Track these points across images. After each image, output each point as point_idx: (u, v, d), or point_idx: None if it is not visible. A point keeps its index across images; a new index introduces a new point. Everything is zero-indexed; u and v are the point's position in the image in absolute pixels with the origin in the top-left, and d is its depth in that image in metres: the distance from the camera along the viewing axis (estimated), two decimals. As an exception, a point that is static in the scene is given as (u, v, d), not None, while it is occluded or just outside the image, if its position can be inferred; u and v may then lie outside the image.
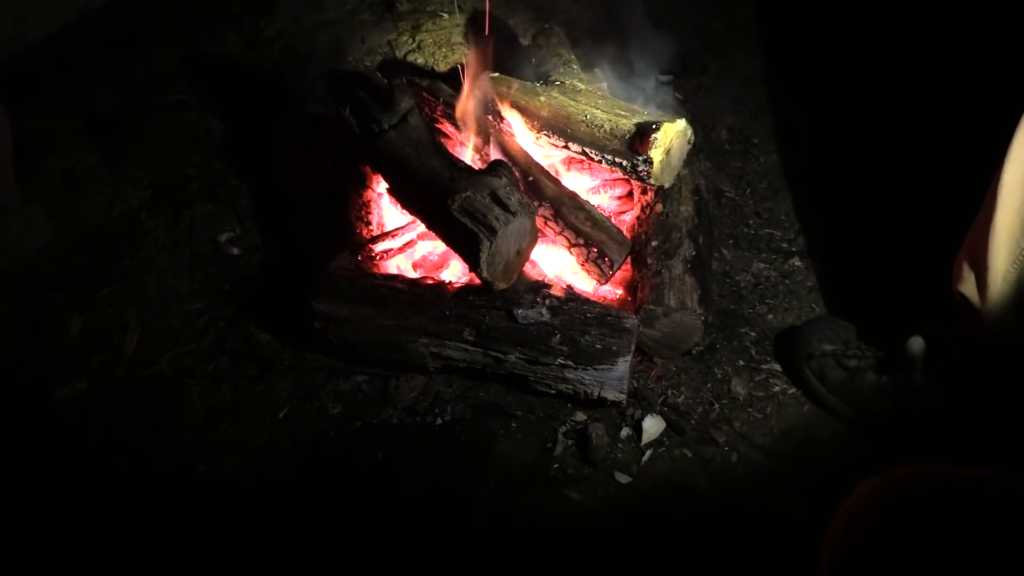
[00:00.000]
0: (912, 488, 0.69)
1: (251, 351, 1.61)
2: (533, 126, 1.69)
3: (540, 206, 1.55)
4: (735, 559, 1.30)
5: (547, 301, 1.41)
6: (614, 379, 1.39)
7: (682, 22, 2.27)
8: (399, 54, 2.22)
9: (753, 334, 1.62)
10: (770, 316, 1.65)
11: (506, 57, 1.87)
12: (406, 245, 1.60)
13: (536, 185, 1.59)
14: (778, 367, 1.56)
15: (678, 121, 1.52)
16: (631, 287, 1.57)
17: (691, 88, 2.17)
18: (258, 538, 1.33)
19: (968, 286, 1.18)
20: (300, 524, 1.34)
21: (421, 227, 1.53)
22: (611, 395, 1.42)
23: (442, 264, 1.63)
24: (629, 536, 1.34)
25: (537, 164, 1.65)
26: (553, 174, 1.67)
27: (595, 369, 1.37)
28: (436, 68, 2.17)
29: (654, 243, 1.56)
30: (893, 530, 0.66)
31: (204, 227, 1.83)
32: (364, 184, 1.68)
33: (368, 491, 1.38)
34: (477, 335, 1.40)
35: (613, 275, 1.55)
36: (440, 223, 1.40)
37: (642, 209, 1.66)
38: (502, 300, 1.41)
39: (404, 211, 1.54)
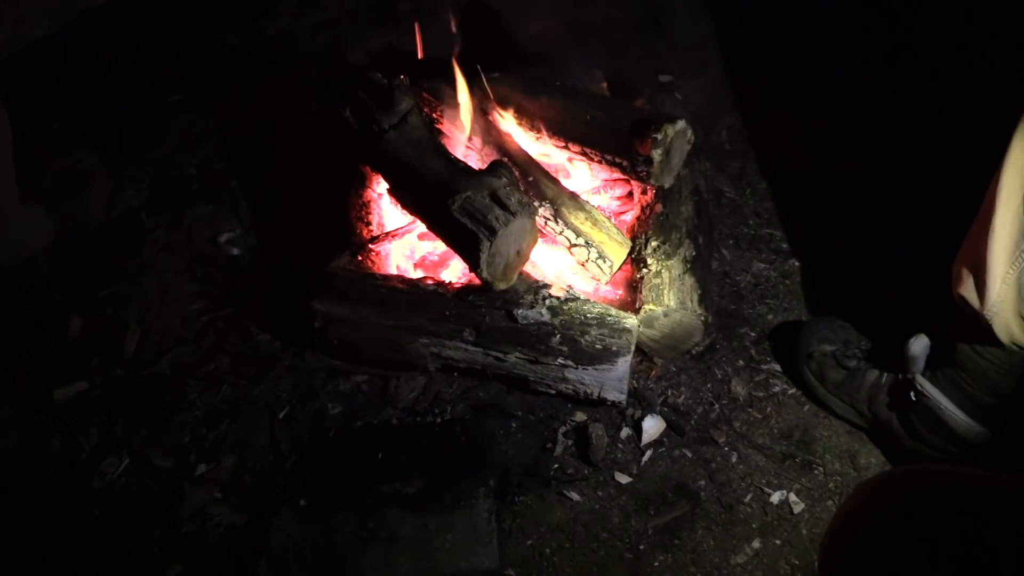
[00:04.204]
0: (911, 489, 0.69)
1: (251, 351, 1.61)
2: (533, 126, 1.70)
3: (540, 206, 1.55)
4: (735, 559, 1.30)
5: (547, 301, 1.41)
6: (614, 379, 1.39)
7: (682, 22, 2.27)
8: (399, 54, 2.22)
9: (753, 334, 1.62)
10: (770, 316, 1.65)
11: (506, 56, 1.87)
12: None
13: (536, 185, 1.59)
14: (778, 367, 1.56)
15: (678, 121, 1.52)
16: (631, 287, 1.57)
17: (691, 88, 2.17)
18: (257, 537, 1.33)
19: (967, 288, 1.18)
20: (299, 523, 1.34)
21: (421, 227, 1.53)
22: (611, 395, 1.42)
23: (442, 264, 1.63)
24: (628, 536, 1.34)
25: (537, 164, 1.65)
26: (553, 174, 1.67)
27: (595, 369, 1.37)
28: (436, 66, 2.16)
29: (654, 243, 1.56)
30: (892, 531, 0.66)
31: (204, 227, 1.83)
32: (364, 184, 1.68)
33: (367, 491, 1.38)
34: (477, 335, 1.40)
35: (613, 275, 1.55)
36: (440, 223, 1.40)
37: (642, 209, 1.66)
38: (502, 300, 1.41)
39: (404, 211, 1.54)
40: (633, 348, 1.38)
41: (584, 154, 1.64)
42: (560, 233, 1.55)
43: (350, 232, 1.61)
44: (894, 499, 0.69)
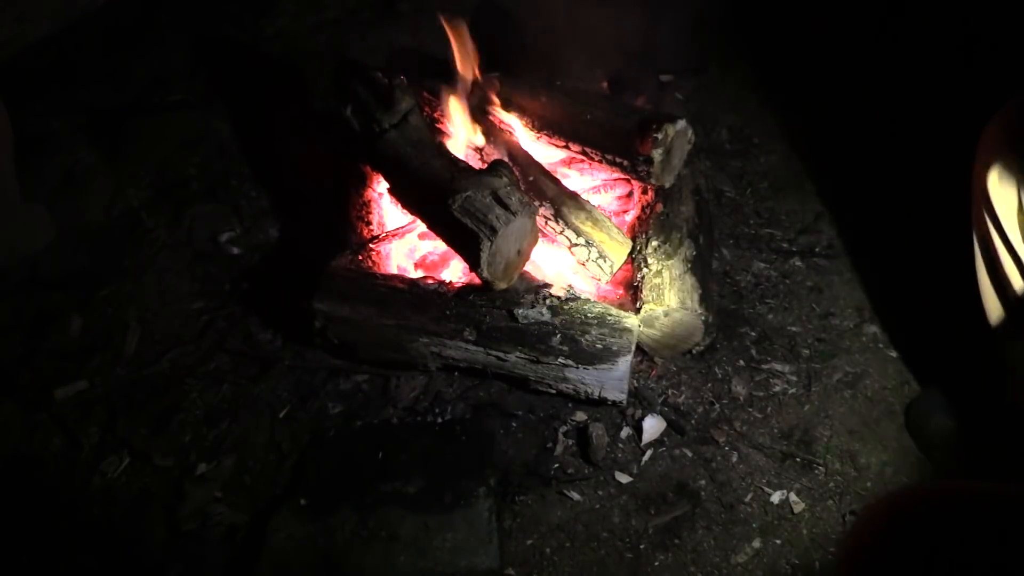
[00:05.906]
0: (926, 506, 0.68)
1: (251, 350, 1.61)
2: (533, 126, 1.70)
3: (541, 206, 1.55)
4: (735, 559, 1.30)
5: (547, 301, 1.41)
6: (615, 379, 1.39)
7: (682, 22, 2.27)
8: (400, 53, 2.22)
9: (753, 334, 1.62)
10: (770, 316, 1.65)
11: (508, 56, 1.87)
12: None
13: (537, 185, 1.59)
14: (778, 367, 1.56)
15: (678, 121, 1.52)
16: (631, 287, 1.57)
17: (691, 88, 2.17)
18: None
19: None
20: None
21: (422, 227, 1.53)
22: (612, 395, 1.42)
23: (443, 264, 1.63)
24: (629, 536, 1.34)
25: (538, 164, 1.65)
26: (553, 174, 1.67)
27: (596, 369, 1.37)
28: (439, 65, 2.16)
29: (654, 243, 1.56)
30: (908, 549, 0.65)
31: (204, 227, 1.83)
32: (364, 184, 1.68)
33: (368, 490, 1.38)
34: (478, 335, 1.40)
35: (613, 275, 1.55)
36: (441, 223, 1.40)
37: (642, 209, 1.66)
38: (503, 300, 1.41)
39: (404, 211, 1.54)
40: (634, 348, 1.38)
41: (584, 154, 1.64)
42: (560, 233, 1.55)
43: (351, 231, 1.61)
44: (908, 518, 0.68)
